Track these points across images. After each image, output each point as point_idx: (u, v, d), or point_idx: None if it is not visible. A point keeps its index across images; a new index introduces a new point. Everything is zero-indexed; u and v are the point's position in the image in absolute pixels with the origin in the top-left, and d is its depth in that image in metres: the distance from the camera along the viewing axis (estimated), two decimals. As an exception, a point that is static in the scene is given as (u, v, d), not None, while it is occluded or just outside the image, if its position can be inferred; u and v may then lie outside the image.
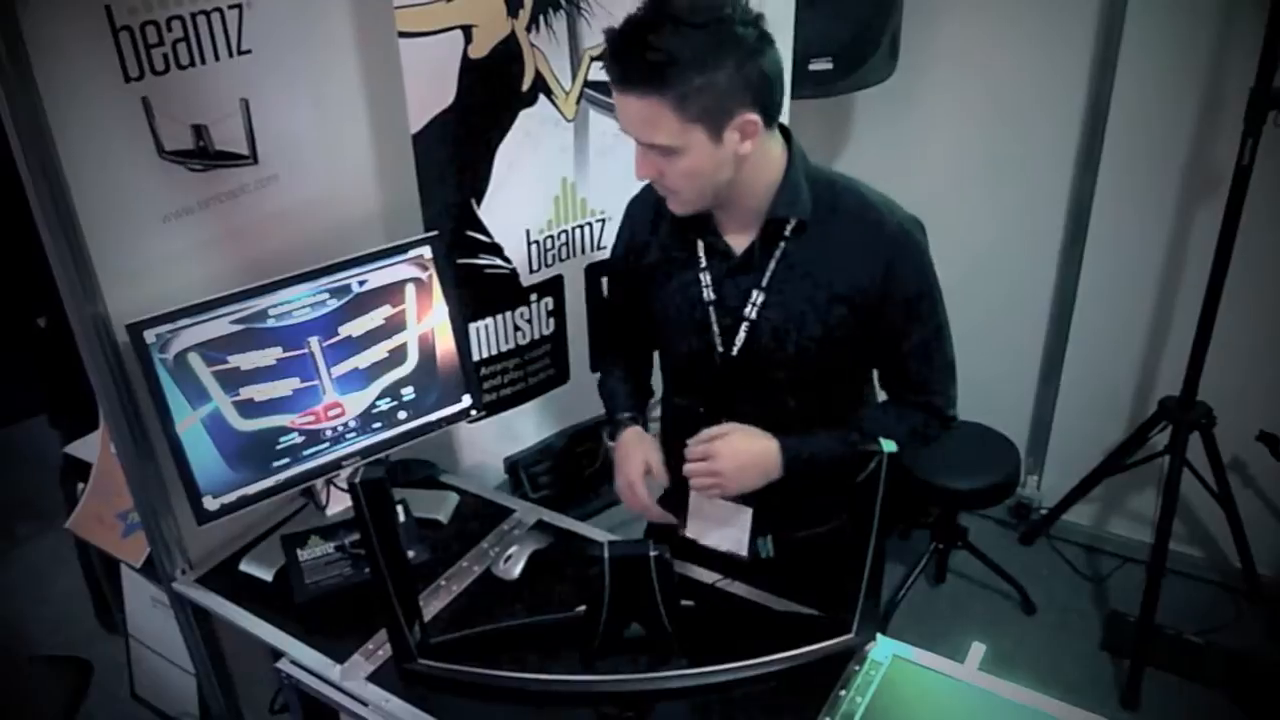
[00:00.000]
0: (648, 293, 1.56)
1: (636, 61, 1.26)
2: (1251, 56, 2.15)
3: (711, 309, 1.48)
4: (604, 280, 1.89)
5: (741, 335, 1.47)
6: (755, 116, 1.30)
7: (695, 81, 1.25)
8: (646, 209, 1.56)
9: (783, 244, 1.43)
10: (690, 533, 1.61)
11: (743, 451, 1.45)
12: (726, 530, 1.58)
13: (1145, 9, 2.38)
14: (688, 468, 1.46)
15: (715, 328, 1.48)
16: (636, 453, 1.56)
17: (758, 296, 1.45)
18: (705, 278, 1.48)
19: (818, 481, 1.46)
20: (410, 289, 1.73)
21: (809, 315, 1.43)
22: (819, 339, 1.44)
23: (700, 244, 1.48)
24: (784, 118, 1.42)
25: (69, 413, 2.51)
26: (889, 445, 1.29)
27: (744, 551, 1.57)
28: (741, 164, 1.35)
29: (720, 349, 1.49)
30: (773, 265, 1.44)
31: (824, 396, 1.51)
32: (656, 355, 1.71)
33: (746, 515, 1.55)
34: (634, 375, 1.72)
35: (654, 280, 1.54)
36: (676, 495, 1.61)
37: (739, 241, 1.46)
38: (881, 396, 1.59)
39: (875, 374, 1.58)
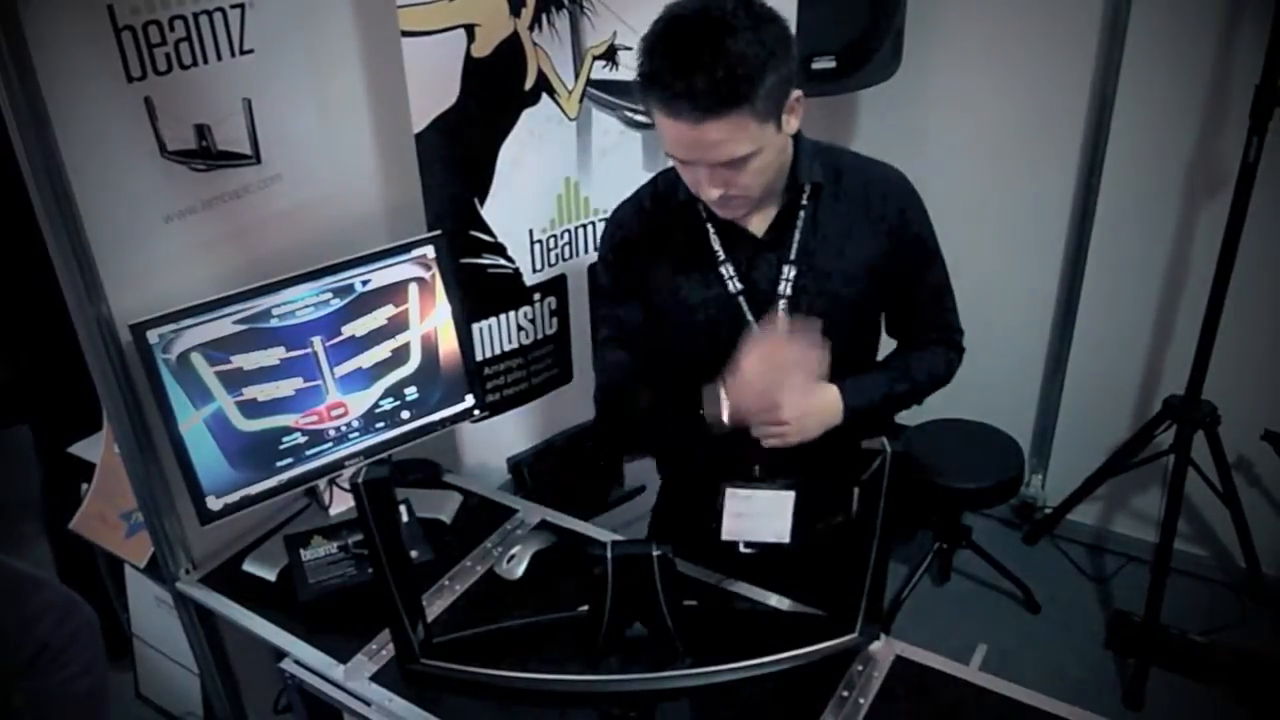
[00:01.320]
0: (659, 304, 1.52)
1: (719, 85, 1.20)
2: (1257, 53, 2.14)
3: (741, 299, 1.46)
4: (605, 307, 1.63)
5: (781, 316, 1.46)
6: (800, 92, 1.31)
7: (770, 80, 1.23)
8: (642, 220, 1.52)
9: (802, 213, 1.43)
10: (729, 533, 1.55)
11: (806, 396, 1.42)
12: (768, 521, 1.54)
13: (1150, 6, 2.38)
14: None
15: (750, 316, 1.46)
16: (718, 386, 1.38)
17: (789, 271, 1.45)
18: (727, 269, 1.46)
19: (870, 428, 1.40)
20: (413, 289, 1.73)
21: (842, 278, 1.45)
22: (853, 299, 1.46)
23: (715, 238, 1.47)
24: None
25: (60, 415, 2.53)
26: (893, 444, 1.29)
27: (788, 538, 1.53)
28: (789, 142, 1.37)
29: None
30: (798, 235, 1.44)
31: (851, 360, 1.50)
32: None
33: (788, 500, 1.51)
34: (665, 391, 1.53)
35: (666, 289, 1.50)
36: (700, 505, 1.57)
37: (758, 223, 1.45)
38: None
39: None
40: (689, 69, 1.20)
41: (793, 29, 2.07)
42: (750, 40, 1.21)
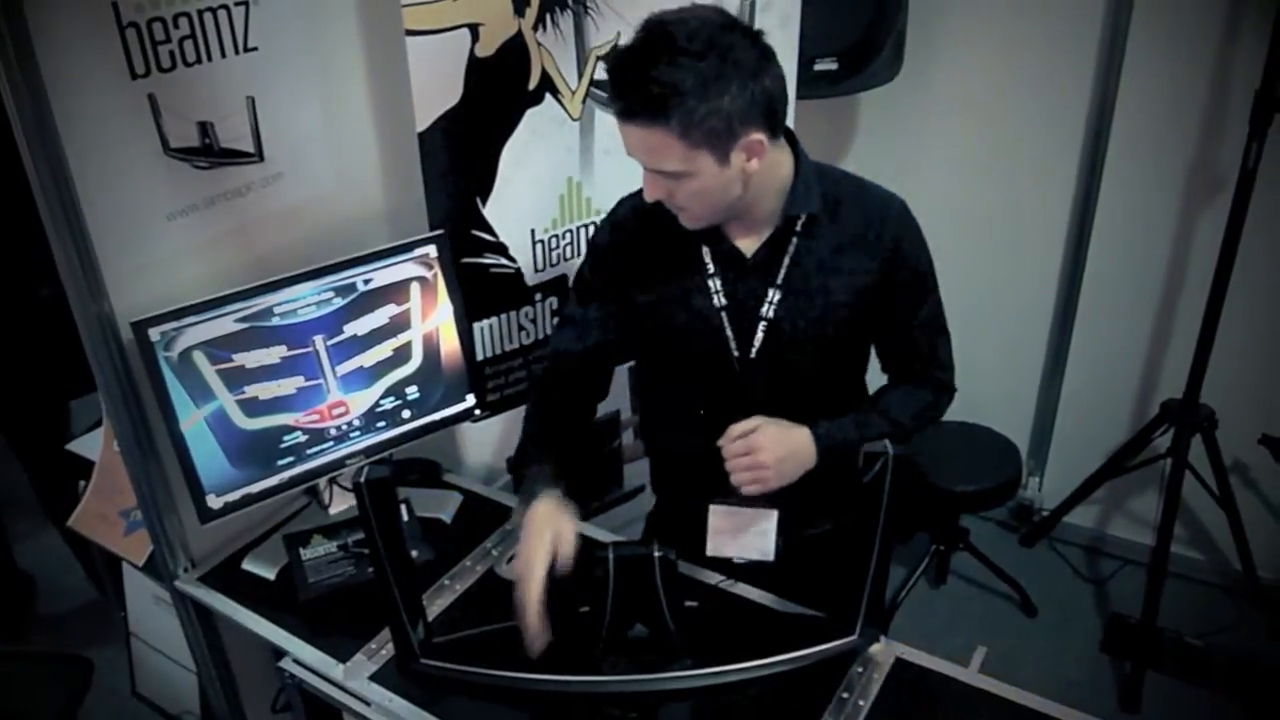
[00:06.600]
0: (642, 305, 1.52)
1: (638, 94, 1.24)
2: (1257, 58, 2.15)
3: (724, 314, 1.47)
4: (573, 291, 1.64)
5: (759, 336, 1.47)
6: (761, 136, 1.29)
7: (699, 110, 1.23)
8: (640, 219, 1.52)
9: (795, 240, 1.44)
10: (713, 549, 1.57)
11: (782, 441, 1.43)
12: (751, 538, 1.55)
13: (1150, 10, 2.38)
14: (729, 464, 1.43)
15: (729, 332, 1.48)
16: (546, 531, 1.39)
17: (774, 295, 1.45)
18: (714, 284, 1.47)
19: (845, 467, 1.43)
20: (415, 288, 1.73)
21: (827, 306, 1.45)
22: (838, 328, 1.46)
23: (706, 250, 1.47)
24: (788, 120, 1.42)
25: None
26: (894, 447, 1.29)
27: (771, 556, 1.55)
28: (749, 180, 1.34)
29: (737, 353, 1.48)
30: (786, 262, 1.44)
31: (835, 387, 1.53)
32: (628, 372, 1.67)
33: (772, 518, 1.53)
34: (564, 458, 1.52)
35: (651, 291, 1.51)
36: (690, 516, 1.58)
37: (748, 244, 1.46)
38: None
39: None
40: (619, 71, 1.27)
41: (796, 32, 2.08)
42: (683, 67, 1.22)
